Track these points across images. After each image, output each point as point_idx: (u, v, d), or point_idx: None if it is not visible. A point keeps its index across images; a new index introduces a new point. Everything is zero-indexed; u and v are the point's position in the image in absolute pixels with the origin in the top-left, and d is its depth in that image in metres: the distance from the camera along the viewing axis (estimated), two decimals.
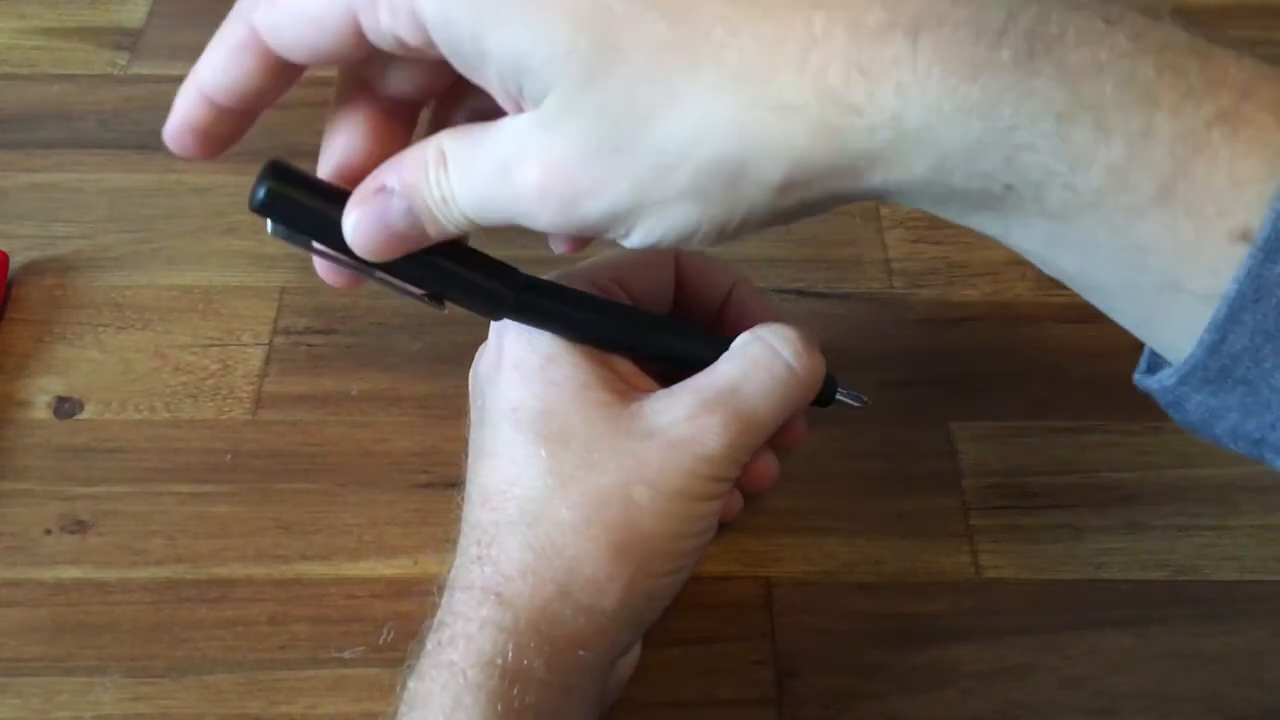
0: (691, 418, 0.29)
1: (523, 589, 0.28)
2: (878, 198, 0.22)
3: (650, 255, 0.33)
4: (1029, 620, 0.36)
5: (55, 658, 0.35)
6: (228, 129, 0.27)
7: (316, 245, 0.28)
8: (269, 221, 0.28)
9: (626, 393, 0.30)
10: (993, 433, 0.40)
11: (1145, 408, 0.41)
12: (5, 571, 0.37)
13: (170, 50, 0.52)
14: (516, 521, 0.29)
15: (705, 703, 0.35)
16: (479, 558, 0.29)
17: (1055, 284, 0.44)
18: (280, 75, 0.26)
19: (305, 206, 0.27)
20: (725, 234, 0.23)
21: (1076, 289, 0.23)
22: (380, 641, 0.35)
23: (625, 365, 0.32)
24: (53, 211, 0.46)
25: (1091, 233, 0.21)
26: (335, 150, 0.28)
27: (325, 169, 0.28)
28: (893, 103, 0.20)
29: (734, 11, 0.21)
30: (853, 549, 0.38)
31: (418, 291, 0.30)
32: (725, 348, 0.31)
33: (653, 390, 0.31)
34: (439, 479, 0.39)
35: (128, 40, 0.52)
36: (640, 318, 0.32)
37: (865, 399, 0.35)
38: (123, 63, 0.51)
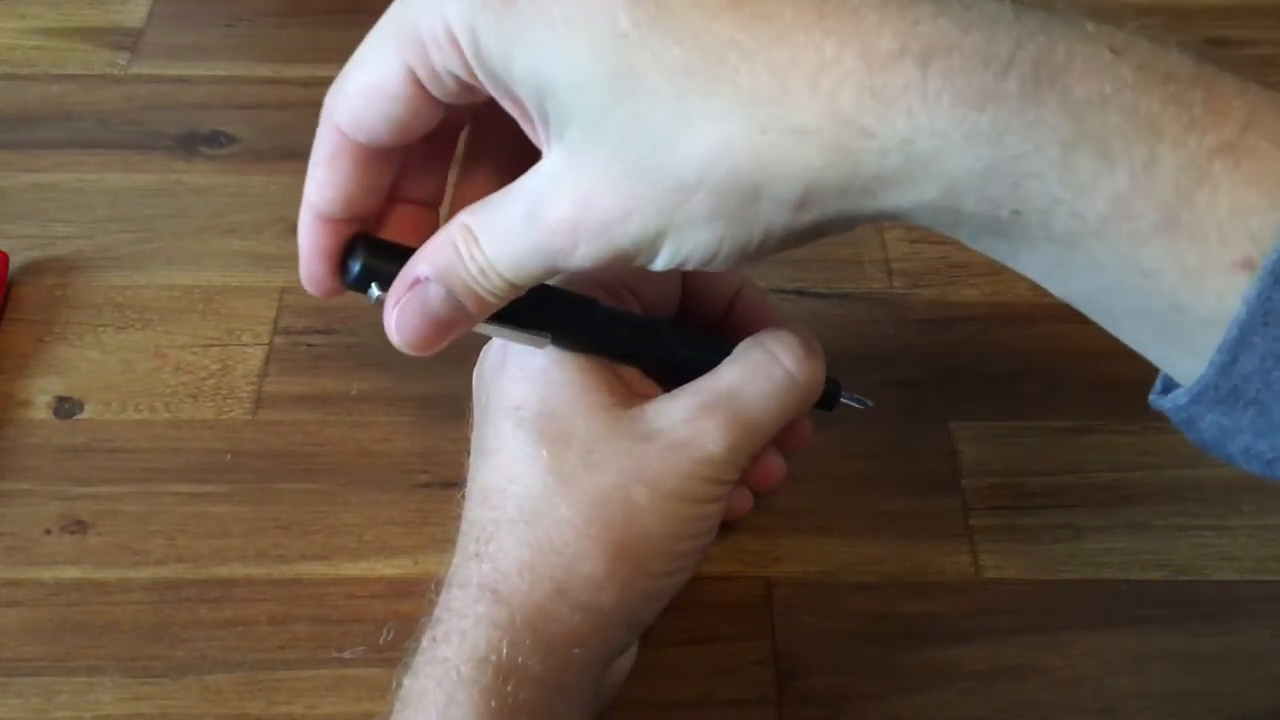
0: (691, 420, 0.29)
1: (519, 586, 0.28)
2: (893, 218, 0.23)
3: None
4: (1029, 620, 0.36)
5: (55, 658, 0.35)
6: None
7: None
8: (373, 287, 0.28)
9: (629, 396, 0.31)
10: (993, 433, 0.40)
11: (1145, 408, 0.41)
12: (5, 571, 0.37)
13: (170, 50, 0.52)
14: (515, 519, 0.29)
15: (705, 703, 0.35)
16: (477, 555, 0.29)
17: None
18: (377, 168, 0.27)
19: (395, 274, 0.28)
20: (747, 254, 0.24)
21: (1086, 312, 0.23)
22: (380, 641, 0.35)
23: (629, 370, 0.32)
24: (53, 211, 0.46)
25: (1098, 258, 0.21)
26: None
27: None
28: (903, 128, 0.21)
29: (746, 36, 0.21)
30: (853, 549, 0.38)
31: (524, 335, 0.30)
32: (729, 351, 0.31)
33: (655, 394, 0.31)
34: (439, 479, 0.39)
35: (128, 40, 0.52)
36: (648, 328, 0.32)
37: (869, 402, 0.35)
38: (123, 63, 0.51)
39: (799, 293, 0.44)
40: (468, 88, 0.25)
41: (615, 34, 0.22)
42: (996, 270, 0.45)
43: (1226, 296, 0.20)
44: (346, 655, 0.35)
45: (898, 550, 0.38)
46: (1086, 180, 0.20)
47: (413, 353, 0.28)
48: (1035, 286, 0.46)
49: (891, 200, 0.22)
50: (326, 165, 0.27)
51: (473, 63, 0.24)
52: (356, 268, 0.28)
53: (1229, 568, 0.37)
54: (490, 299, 0.27)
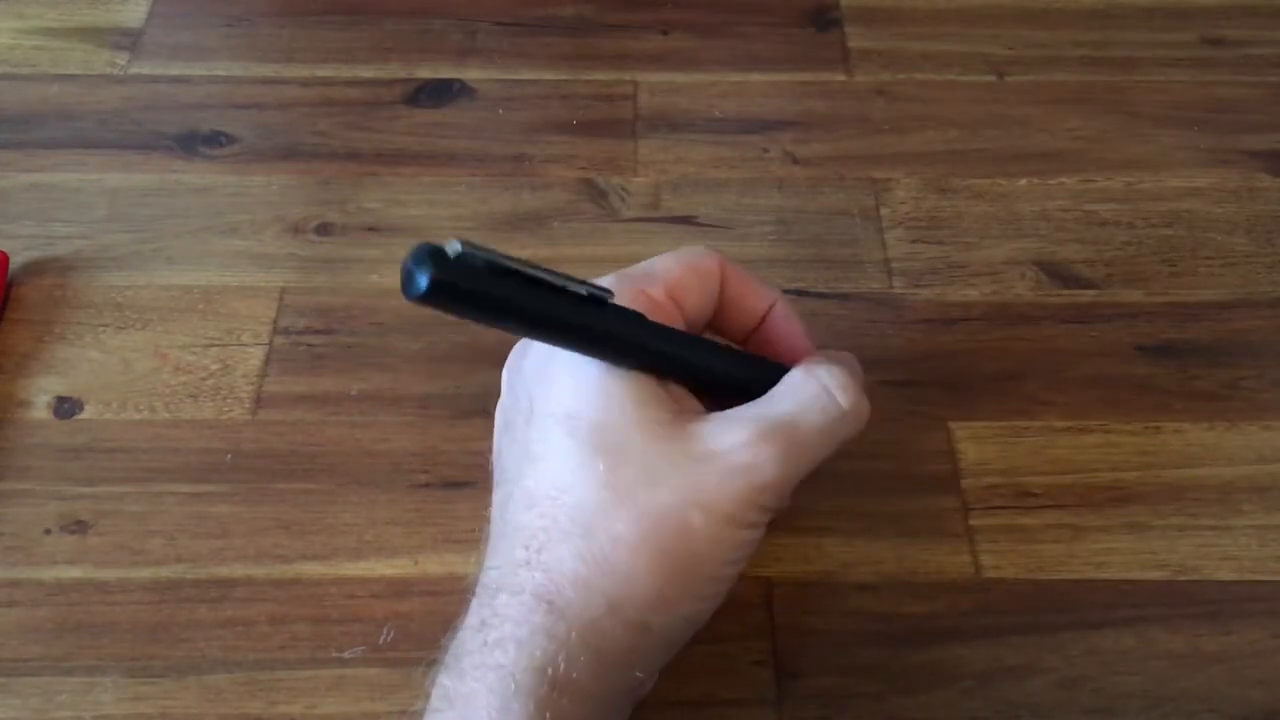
0: (750, 444, 0.29)
1: (574, 599, 0.28)
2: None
3: (700, 267, 0.33)
4: (1029, 620, 0.36)
5: (55, 658, 0.35)
6: None
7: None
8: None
9: (680, 413, 0.31)
10: (993, 433, 0.40)
11: (1145, 408, 0.41)
12: (5, 571, 0.37)
13: (170, 50, 0.52)
14: (569, 531, 0.29)
15: (705, 703, 0.35)
16: (528, 562, 0.29)
17: (1055, 284, 0.44)
18: None
19: (468, 292, 0.26)
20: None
21: None
22: (380, 641, 0.35)
23: (675, 386, 0.32)
24: (53, 211, 0.46)
25: None
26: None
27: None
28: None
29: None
30: (853, 549, 0.38)
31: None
32: (773, 372, 0.32)
33: (698, 411, 0.31)
34: (439, 479, 0.39)
35: (128, 40, 0.52)
36: (704, 346, 0.32)
37: None
38: (123, 63, 0.51)
39: (799, 293, 0.44)
40: None
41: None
42: (996, 270, 0.45)
43: None
44: (346, 655, 0.35)
45: (898, 550, 0.38)
46: None
47: None
48: (1035, 286, 0.46)
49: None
50: None
51: None
52: (424, 282, 0.24)
53: (1229, 568, 0.37)
54: None
